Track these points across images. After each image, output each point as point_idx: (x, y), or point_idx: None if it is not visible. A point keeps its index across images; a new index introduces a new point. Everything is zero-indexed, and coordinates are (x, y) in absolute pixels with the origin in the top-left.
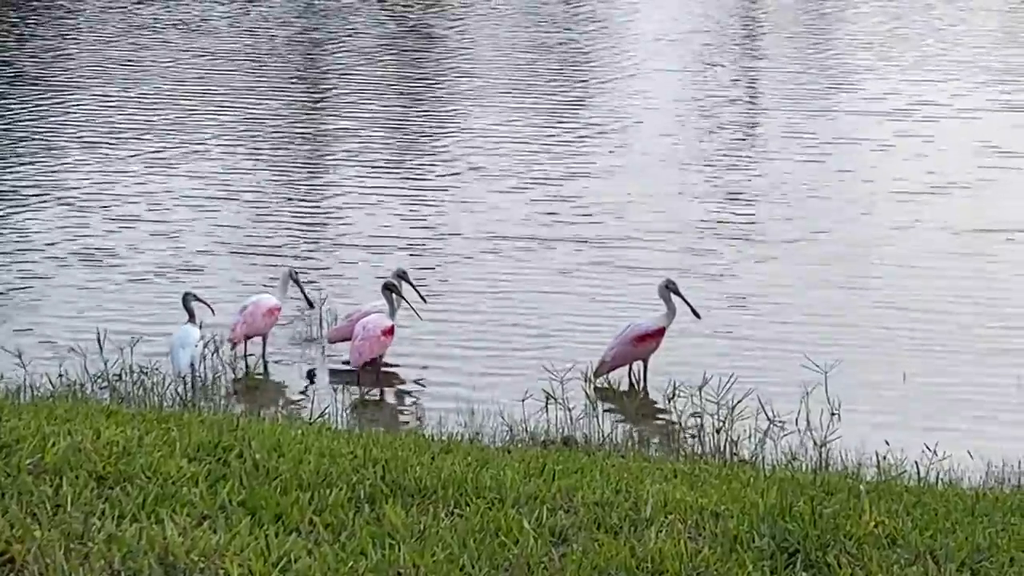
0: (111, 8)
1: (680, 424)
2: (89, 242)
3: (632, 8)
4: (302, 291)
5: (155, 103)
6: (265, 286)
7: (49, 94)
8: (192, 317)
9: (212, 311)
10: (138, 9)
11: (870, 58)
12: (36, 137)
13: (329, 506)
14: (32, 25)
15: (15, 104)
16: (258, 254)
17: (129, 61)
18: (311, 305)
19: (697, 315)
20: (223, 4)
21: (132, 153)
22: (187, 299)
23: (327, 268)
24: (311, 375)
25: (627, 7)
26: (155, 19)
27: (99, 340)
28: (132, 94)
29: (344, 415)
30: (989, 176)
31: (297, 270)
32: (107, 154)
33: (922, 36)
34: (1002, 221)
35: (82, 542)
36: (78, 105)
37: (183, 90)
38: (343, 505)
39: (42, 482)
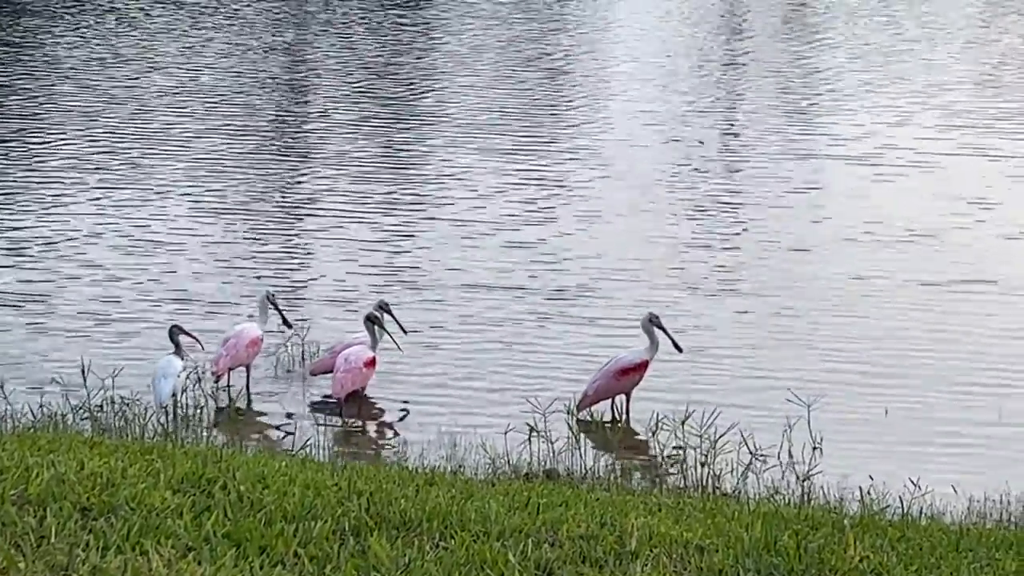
0: (69, 44)
1: (663, 457)
2: (64, 277)
3: (608, 45)
4: (279, 312)
5: (122, 140)
6: (251, 316)
7: (13, 132)
8: (178, 350)
9: (201, 346)
10: (98, 45)
11: (843, 101)
12: (8, 174)
13: (314, 538)
14: None
15: None
16: (233, 289)
17: (90, 99)
18: (289, 325)
19: (679, 348)
20: (183, 40)
21: (102, 191)
22: (173, 332)
23: (306, 302)
24: (293, 407)
25: (605, 42)
26: (115, 55)
27: (83, 371)
28: (98, 133)
29: (327, 447)
30: (963, 223)
31: (273, 292)
32: (77, 193)
33: (895, 80)
34: (980, 264)
35: (67, 574)
36: (49, 144)
37: (147, 128)
38: (328, 537)
39: (26, 513)
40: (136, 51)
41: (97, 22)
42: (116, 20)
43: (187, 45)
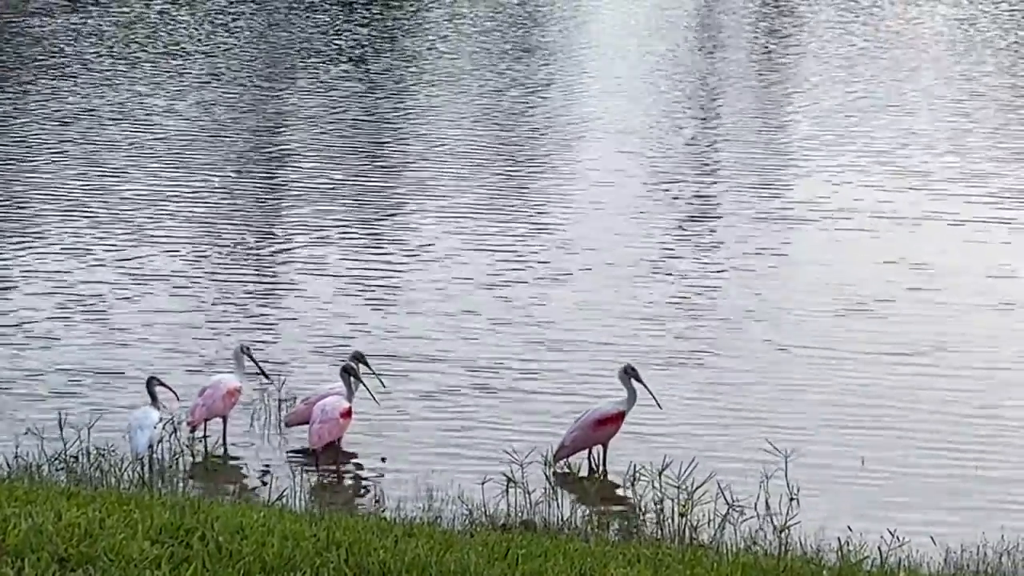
0: (44, 91)
1: (640, 508)
2: (40, 322)
3: (571, 106)
4: (256, 364)
5: (102, 183)
6: (223, 367)
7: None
8: (154, 401)
9: (177, 397)
10: (77, 91)
11: (809, 162)
12: None
13: None
14: None
15: None
16: (210, 339)
17: (70, 141)
18: (267, 377)
19: (659, 404)
20: (130, 93)
21: (70, 243)
22: (150, 383)
23: (280, 353)
24: (269, 457)
25: (568, 103)
26: (96, 100)
27: (60, 422)
28: (78, 173)
29: (303, 497)
30: (931, 284)
31: (247, 345)
32: (45, 244)
33: (864, 142)
34: (952, 324)
35: None
36: (26, 183)
37: (128, 171)
38: None
39: (3, 564)
40: (82, 106)
41: (36, 78)
42: (59, 75)
43: (135, 97)
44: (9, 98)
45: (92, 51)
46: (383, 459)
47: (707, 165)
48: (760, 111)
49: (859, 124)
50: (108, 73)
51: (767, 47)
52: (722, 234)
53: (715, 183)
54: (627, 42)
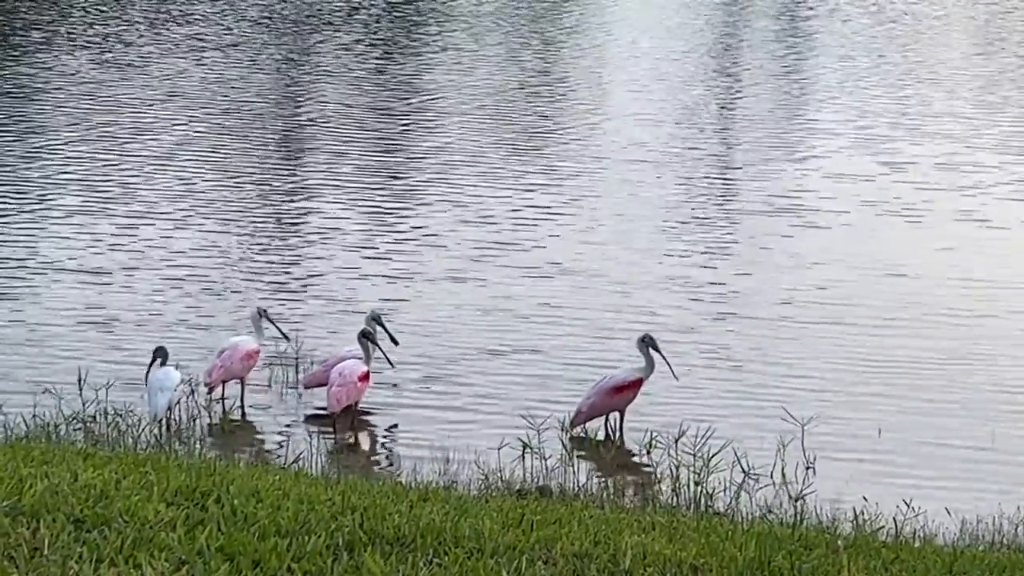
0: (66, 71)
1: (656, 475)
2: (59, 288)
3: (600, 82)
4: (275, 325)
5: (124, 154)
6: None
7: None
8: (164, 362)
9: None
10: (98, 71)
11: (818, 148)
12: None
13: (308, 553)
14: None
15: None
16: (229, 301)
17: (94, 112)
18: (286, 338)
19: (675, 375)
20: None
21: (95, 207)
22: (161, 354)
23: (297, 316)
24: (286, 420)
25: (595, 84)
26: (115, 77)
27: (79, 381)
28: (100, 146)
29: (320, 461)
30: (947, 254)
31: (265, 308)
32: (78, 206)
33: (876, 130)
34: (969, 293)
35: None
36: (50, 159)
37: (150, 142)
38: (322, 553)
39: (19, 524)
40: (91, 75)
41: (65, 55)
42: (85, 51)
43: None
44: (15, 63)
45: (93, 16)
46: (397, 428)
47: (733, 149)
48: (773, 94)
49: (873, 115)
50: (114, 38)
51: (787, 21)
52: (738, 210)
53: (742, 164)
54: (646, 18)
